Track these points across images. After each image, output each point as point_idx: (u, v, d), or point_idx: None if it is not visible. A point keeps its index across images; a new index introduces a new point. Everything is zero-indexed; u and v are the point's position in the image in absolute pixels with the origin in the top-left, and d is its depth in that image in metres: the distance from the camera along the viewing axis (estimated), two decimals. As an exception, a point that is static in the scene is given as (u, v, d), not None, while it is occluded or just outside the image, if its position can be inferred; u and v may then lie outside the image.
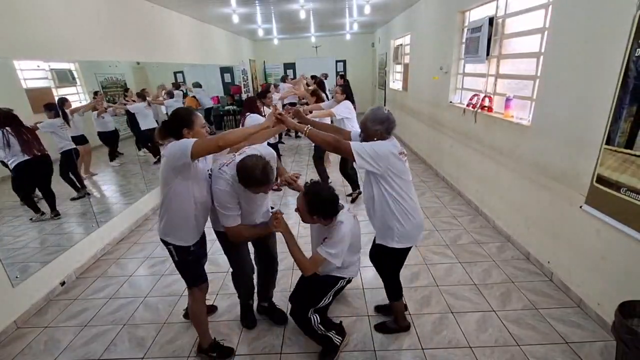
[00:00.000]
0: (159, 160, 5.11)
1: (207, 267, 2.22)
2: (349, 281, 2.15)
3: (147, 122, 4.80)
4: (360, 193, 4.52)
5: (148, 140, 4.96)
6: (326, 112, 4.36)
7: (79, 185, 3.64)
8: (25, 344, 2.36)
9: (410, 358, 2.08)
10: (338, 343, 2.09)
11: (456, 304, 2.51)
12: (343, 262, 1.94)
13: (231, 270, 2.28)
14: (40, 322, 2.57)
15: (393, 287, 2.18)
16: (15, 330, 2.50)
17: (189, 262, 1.98)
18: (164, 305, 2.68)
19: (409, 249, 2.05)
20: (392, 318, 2.32)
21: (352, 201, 4.52)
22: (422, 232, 2.06)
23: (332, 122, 4.21)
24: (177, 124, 1.79)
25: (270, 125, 1.90)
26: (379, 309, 2.49)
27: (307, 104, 5.29)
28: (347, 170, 4.53)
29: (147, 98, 4.82)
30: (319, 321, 2.00)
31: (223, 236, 2.03)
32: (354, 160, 1.82)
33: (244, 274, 2.26)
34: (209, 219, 2.04)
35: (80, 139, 3.72)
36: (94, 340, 2.36)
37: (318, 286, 2.04)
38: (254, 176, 1.69)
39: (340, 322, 2.25)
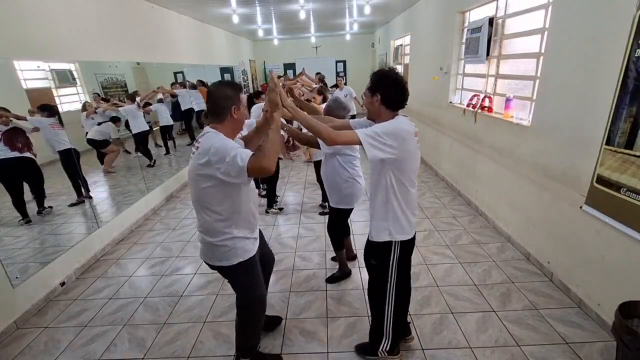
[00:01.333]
0: (153, 164, 5.10)
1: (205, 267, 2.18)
2: (410, 245, 1.82)
3: (138, 124, 4.66)
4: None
5: (140, 144, 4.87)
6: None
7: (82, 189, 3.63)
8: (25, 345, 2.36)
9: (411, 358, 2.08)
10: (382, 354, 1.97)
11: (456, 305, 2.51)
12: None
13: (240, 303, 1.85)
14: (40, 323, 2.57)
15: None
16: (16, 330, 2.50)
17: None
18: (164, 305, 2.68)
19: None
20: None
21: (321, 214, 4.17)
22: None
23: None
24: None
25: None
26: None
27: (308, 100, 5.19)
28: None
29: (137, 99, 4.64)
30: (392, 310, 1.85)
31: (230, 269, 1.71)
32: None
33: (261, 298, 1.87)
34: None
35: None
36: (94, 341, 2.36)
37: (378, 258, 1.83)
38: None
39: (399, 345, 2.04)
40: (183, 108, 6.26)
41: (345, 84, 7.11)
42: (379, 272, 1.86)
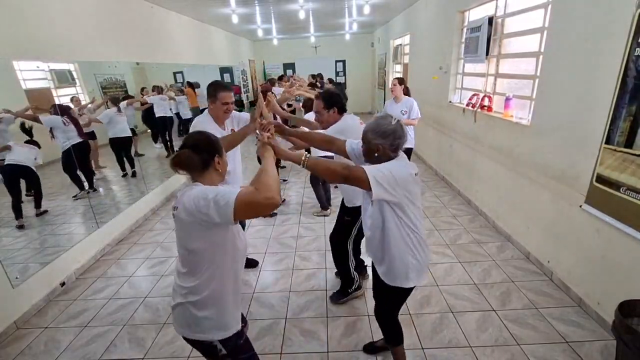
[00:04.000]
0: (125, 175, 4.55)
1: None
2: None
3: (115, 130, 4.23)
4: (327, 215, 4.09)
5: (119, 150, 4.42)
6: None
7: (84, 184, 3.65)
8: (25, 345, 2.36)
9: (411, 358, 2.08)
10: (351, 291, 2.57)
11: (456, 304, 2.51)
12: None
13: None
14: (41, 323, 2.57)
15: (392, 329, 1.87)
16: (16, 331, 2.50)
17: (242, 345, 1.42)
18: (164, 305, 2.68)
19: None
20: None
21: (318, 215, 4.13)
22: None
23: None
24: (209, 148, 1.32)
25: (273, 158, 1.49)
26: (370, 349, 2.14)
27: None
28: (318, 185, 4.02)
29: (120, 104, 4.28)
30: (354, 262, 2.50)
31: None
32: (369, 189, 1.42)
33: None
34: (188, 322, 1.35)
35: (90, 135, 3.85)
36: (94, 341, 2.36)
37: (344, 220, 2.42)
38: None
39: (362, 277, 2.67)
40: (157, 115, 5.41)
41: (407, 93, 4.17)
42: (347, 227, 2.41)
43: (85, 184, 3.69)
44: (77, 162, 3.52)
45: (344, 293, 2.58)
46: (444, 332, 2.25)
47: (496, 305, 2.47)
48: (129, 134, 4.44)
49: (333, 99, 2.24)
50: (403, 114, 3.96)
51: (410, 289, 1.71)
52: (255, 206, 1.16)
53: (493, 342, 2.15)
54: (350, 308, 2.53)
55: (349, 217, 2.38)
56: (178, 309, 1.33)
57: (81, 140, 3.49)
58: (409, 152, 4.01)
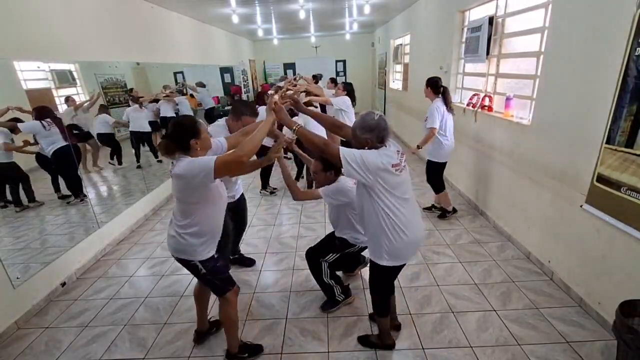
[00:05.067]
0: (139, 167, 4.85)
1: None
2: (361, 250, 2.47)
3: (134, 125, 4.68)
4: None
5: (138, 142, 4.85)
6: (324, 98, 4.54)
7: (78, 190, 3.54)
8: (26, 345, 2.36)
9: (411, 358, 2.08)
10: (340, 299, 2.49)
11: (457, 304, 2.51)
12: (355, 233, 2.37)
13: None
14: (41, 323, 2.57)
15: (379, 303, 2.05)
16: (16, 331, 2.50)
17: (218, 268, 1.90)
18: (164, 305, 2.68)
19: (400, 267, 1.88)
20: (377, 333, 2.19)
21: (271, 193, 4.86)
22: (416, 249, 1.93)
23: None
24: (183, 135, 1.65)
25: (272, 121, 1.81)
26: (362, 340, 2.22)
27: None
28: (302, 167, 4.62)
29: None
30: (328, 272, 2.41)
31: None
32: (341, 167, 1.65)
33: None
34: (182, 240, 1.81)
35: (85, 136, 3.82)
36: (94, 341, 2.36)
37: (332, 243, 2.46)
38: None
39: (348, 284, 2.61)
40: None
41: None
42: (330, 249, 2.45)
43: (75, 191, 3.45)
44: (60, 167, 3.28)
45: (333, 302, 2.50)
46: (444, 332, 2.25)
47: (497, 305, 2.47)
48: (148, 129, 4.88)
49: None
50: (425, 121, 3.50)
51: (390, 268, 1.85)
52: (229, 163, 1.55)
53: (493, 342, 2.15)
54: (351, 308, 2.53)
55: (339, 242, 2.45)
56: (172, 238, 1.81)
57: (65, 144, 3.19)
58: (439, 167, 3.64)
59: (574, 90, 2.40)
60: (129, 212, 4.05)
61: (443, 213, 3.84)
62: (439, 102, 3.40)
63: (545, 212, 2.77)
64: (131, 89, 4.69)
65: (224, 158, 1.56)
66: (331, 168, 2.23)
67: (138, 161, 4.87)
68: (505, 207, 3.41)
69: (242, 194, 2.83)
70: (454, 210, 3.85)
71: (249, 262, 3.18)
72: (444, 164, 3.64)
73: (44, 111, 3.07)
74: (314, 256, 2.47)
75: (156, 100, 5.26)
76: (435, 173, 3.69)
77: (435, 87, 3.45)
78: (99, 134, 4.13)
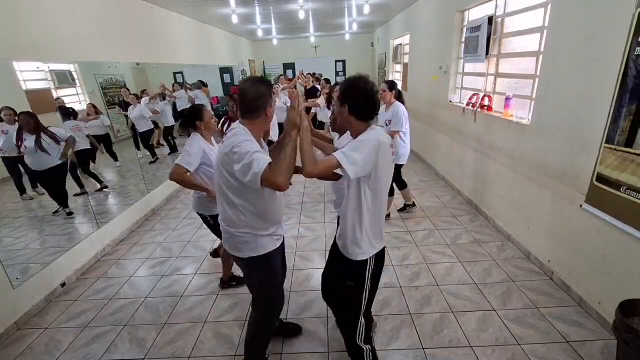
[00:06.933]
0: (154, 162, 5.25)
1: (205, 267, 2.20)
2: (381, 258, 1.68)
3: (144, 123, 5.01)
4: None
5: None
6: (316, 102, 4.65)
7: (83, 185, 3.65)
8: (26, 345, 2.36)
9: (411, 358, 2.08)
10: None
11: (457, 304, 2.51)
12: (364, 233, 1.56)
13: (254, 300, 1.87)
14: (41, 324, 2.57)
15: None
16: (16, 331, 2.50)
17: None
18: (164, 306, 2.68)
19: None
20: None
21: None
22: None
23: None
24: (192, 118, 2.34)
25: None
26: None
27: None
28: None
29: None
30: (363, 333, 1.71)
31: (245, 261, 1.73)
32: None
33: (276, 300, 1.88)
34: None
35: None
36: (94, 342, 2.36)
37: (351, 268, 1.64)
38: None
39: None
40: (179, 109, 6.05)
41: (397, 97, 3.47)
42: (354, 293, 1.67)
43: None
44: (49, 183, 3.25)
45: None
46: (444, 332, 2.25)
47: (497, 305, 2.47)
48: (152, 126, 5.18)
49: (349, 93, 1.59)
50: (387, 125, 3.44)
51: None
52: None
53: (494, 342, 2.15)
54: (351, 308, 2.53)
55: (352, 282, 1.67)
56: (195, 199, 2.49)
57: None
58: (398, 168, 3.62)
59: (573, 90, 2.40)
60: (129, 212, 4.05)
61: (404, 207, 4.07)
62: (402, 106, 3.40)
63: (545, 212, 2.77)
64: (144, 90, 5.05)
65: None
66: (351, 103, 1.55)
67: (154, 156, 5.38)
68: (505, 207, 3.41)
69: None
70: (413, 204, 4.11)
71: (294, 333, 2.42)
72: (402, 166, 3.67)
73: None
74: (342, 304, 1.76)
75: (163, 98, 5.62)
76: (396, 174, 3.72)
77: (398, 90, 3.50)
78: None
